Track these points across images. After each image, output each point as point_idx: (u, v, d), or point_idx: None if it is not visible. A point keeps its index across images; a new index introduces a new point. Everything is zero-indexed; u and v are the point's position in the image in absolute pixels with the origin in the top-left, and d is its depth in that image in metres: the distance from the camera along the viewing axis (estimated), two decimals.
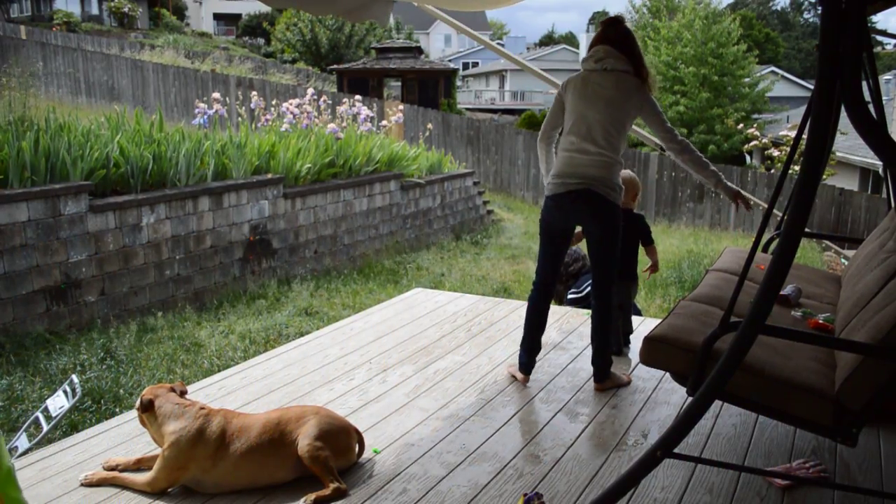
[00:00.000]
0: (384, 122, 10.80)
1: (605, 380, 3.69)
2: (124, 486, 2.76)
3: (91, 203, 6.11)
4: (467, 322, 4.81)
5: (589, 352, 4.23)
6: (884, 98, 3.31)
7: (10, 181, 5.78)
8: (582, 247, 5.39)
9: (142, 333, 5.94)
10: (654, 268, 4.19)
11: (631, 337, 4.33)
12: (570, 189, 3.46)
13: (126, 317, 6.31)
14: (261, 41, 42.04)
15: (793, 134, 14.67)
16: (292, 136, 8.76)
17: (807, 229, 2.30)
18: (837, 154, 16.59)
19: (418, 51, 25.59)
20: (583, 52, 45.60)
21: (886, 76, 23.93)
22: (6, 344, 5.38)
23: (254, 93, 11.00)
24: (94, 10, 41.28)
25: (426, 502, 2.69)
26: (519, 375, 3.79)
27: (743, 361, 2.34)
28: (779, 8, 63.69)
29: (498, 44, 8.15)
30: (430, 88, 23.46)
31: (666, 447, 2.27)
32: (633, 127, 3.94)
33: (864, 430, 3.18)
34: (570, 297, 5.33)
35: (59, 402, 3.75)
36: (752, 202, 3.59)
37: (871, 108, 2.64)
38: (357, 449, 2.94)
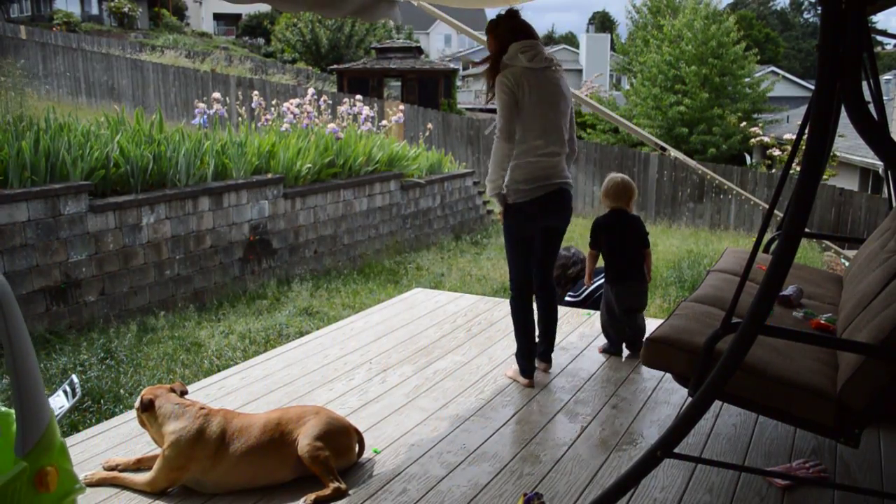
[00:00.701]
0: (384, 122, 10.79)
1: (545, 360, 3.93)
2: (124, 485, 2.77)
3: (91, 203, 6.11)
4: (467, 322, 4.81)
5: (589, 352, 4.24)
6: (884, 98, 3.31)
7: (10, 181, 5.78)
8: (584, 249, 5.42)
9: (142, 333, 5.94)
10: (647, 277, 4.14)
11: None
12: (549, 191, 3.54)
13: (126, 317, 6.30)
14: (261, 41, 42.04)
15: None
16: (292, 135, 8.76)
17: (807, 229, 2.30)
18: (838, 154, 16.60)
19: (418, 51, 25.58)
20: (583, 52, 45.59)
21: (886, 76, 23.93)
22: None
23: (255, 92, 11.00)
24: (94, 11, 41.28)
25: (426, 502, 2.69)
26: (523, 380, 3.78)
27: (745, 362, 2.34)
28: (779, 8, 63.71)
29: None
30: (430, 88, 23.44)
31: (666, 447, 2.27)
32: (634, 127, 3.96)
33: (864, 431, 3.19)
34: (567, 299, 5.33)
35: (59, 402, 3.74)
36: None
37: (871, 108, 2.64)
38: (357, 449, 2.94)
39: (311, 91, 10.05)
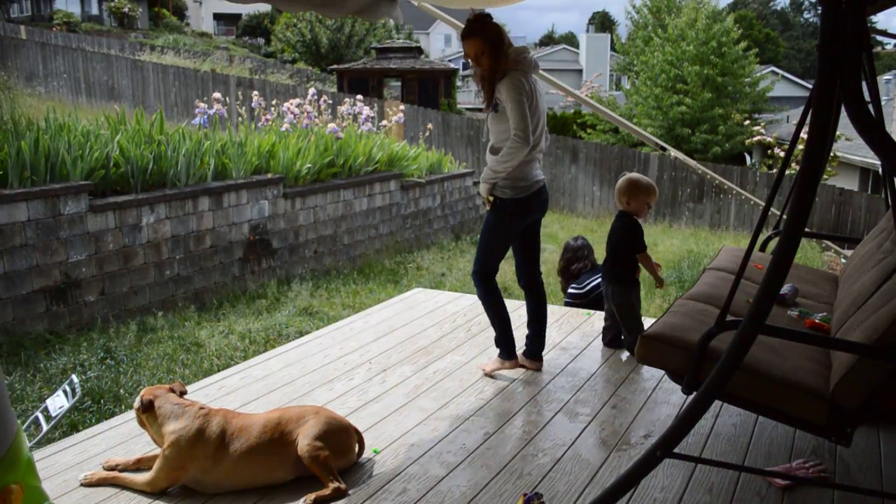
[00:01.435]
0: (384, 122, 10.79)
1: (537, 359, 3.96)
2: (124, 486, 2.77)
3: (91, 203, 6.11)
4: (467, 322, 4.81)
5: (589, 352, 4.24)
6: (883, 98, 3.31)
7: (9, 181, 5.78)
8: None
9: (142, 333, 5.94)
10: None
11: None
12: (539, 188, 3.69)
13: (126, 317, 6.30)
14: (261, 41, 42.05)
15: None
16: (292, 136, 8.76)
17: (807, 229, 2.30)
18: (838, 154, 16.60)
19: (418, 51, 25.57)
20: (583, 52, 45.63)
21: (886, 76, 23.93)
22: (6, 344, 5.38)
23: (255, 92, 10.99)
24: (94, 11, 41.29)
25: (426, 502, 2.69)
26: (508, 363, 3.87)
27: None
28: (779, 8, 63.70)
29: None
30: (430, 88, 23.44)
31: (666, 447, 2.27)
32: (634, 127, 3.98)
33: (864, 430, 3.19)
34: (571, 291, 5.33)
35: (58, 402, 3.74)
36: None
37: (870, 108, 2.64)
38: (357, 449, 2.94)
39: (311, 91, 10.05)
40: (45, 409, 3.77)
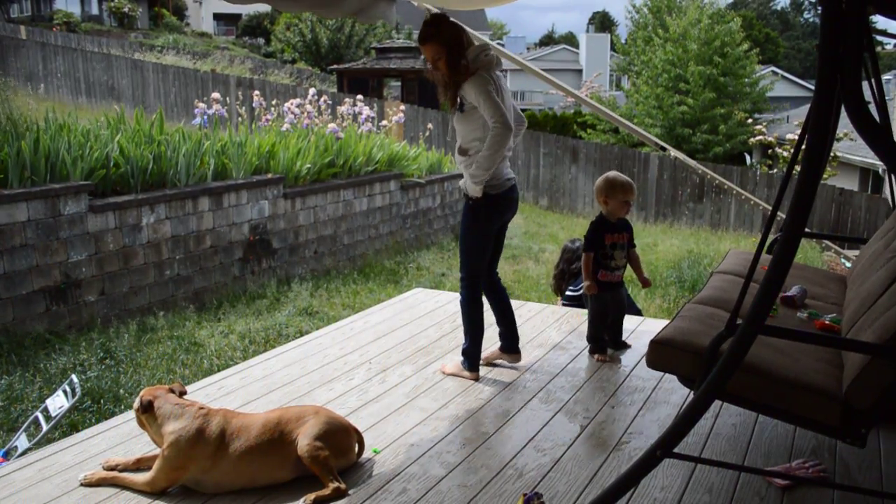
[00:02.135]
0: (384, 122, 10.79)
1: (514, 352, 3.98)
2: (124, 486, 2.76)
3: (91, 203, 6.11)
4: None
5: (588, 352, 4.24)
6: (886, 99, 3.30)
7: (9, 181, 5.78)
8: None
9: (142, 333, 5.94)
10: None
11: (630, 339, 4.33)
12: (512, 185, 3.70)
13: (126, 317, 6.30)
14: (261, 41, 42.04)
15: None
16: (292, 136, 8.76)
17: (807, 229, 2.30)
18: (838, 154, 16.60)
19: (418, 51, 25.55)
20: (583, 52, 45.60)
21: (886, 76, 23.93)
22: (6, 344, 5.38)
23: (255, 92, 11.00)
24: (94, 11, 41.29)
25: (426, 502, 2.69)
26: (470, 375, 3.82)
27: (751, 363, 2.34)
28: (779, 8, 63.72)
29: (498, 44, 8.13)
30: (431, 88, 23.35)
31: (666, 447, 2.27)
32: (634, 127, 3.97)
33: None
34: (568, 293, 5.34)
35: (58, 402, 3.75)
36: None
37: (874, 108, 2.64)
38: (357, 449, 2.94)
39: (311, 91, 10.05)
40: (45, 409, 3.77)
